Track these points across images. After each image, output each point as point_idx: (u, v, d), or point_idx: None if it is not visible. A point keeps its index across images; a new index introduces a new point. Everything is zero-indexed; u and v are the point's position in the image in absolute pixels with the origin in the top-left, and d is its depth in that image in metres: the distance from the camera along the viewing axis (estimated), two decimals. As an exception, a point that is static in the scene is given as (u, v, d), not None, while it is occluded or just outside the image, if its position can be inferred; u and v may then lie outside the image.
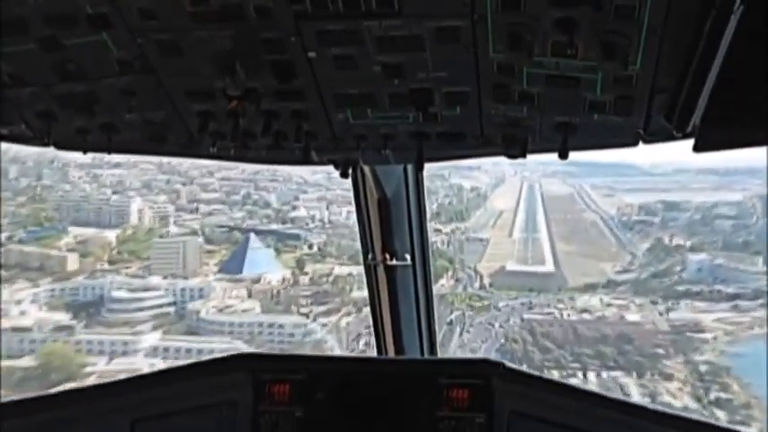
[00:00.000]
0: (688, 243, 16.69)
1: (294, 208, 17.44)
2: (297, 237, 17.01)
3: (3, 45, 2.24)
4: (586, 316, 16.13)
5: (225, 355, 3.81)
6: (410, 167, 4.07)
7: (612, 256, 17.47)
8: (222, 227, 17.36)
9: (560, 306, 16.38)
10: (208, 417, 3.63)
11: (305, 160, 2.72)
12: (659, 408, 3.42)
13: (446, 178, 18.09)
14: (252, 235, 16.74)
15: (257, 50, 2.18)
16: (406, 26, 2.05)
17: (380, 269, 4.41)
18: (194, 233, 17.00)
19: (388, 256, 4.35)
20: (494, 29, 2.01)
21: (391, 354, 4.58)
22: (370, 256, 4.40)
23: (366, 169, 3.91)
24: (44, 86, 2.45)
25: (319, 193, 17.37)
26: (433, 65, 2.19)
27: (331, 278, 16.11)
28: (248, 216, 17.38)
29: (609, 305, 16.05)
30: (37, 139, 2.72)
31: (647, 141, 2.39)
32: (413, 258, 4.41)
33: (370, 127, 2.54)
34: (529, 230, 18.46)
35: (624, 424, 3.31)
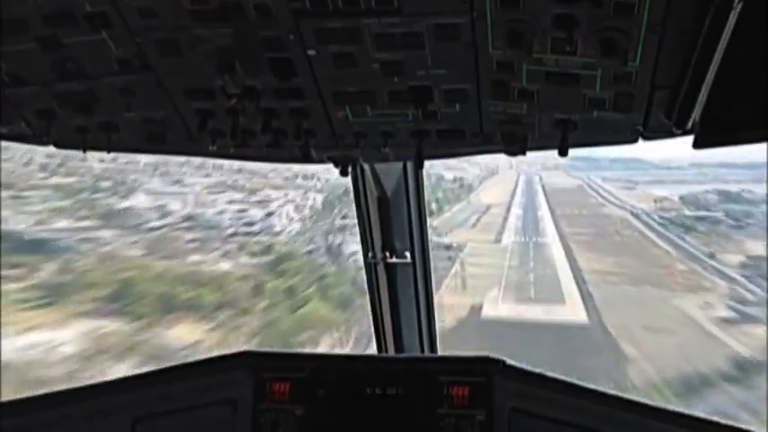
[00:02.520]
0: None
1: (132, 192, 11.60)
2: (56, 248, 9.69)
3: (2, 44, 2.24)
4: None
5: (225, 353, 3.82)
6: (410, 165, 4.07)
7: (689, 282, 9.42)
8: None
9: None
10: (208, 415, 3.63)
11: (304, 158, 2.72)
12: (660, 404, 3.41)
13: (424, 168, 15.49)
14: None
15: (256, 48, 2.18)
16: (406, 23, 2.05)
17: (380, 267, 4.42)
18: None
19: (388, 254, 4.36)
20: (493, 26, 2.01)
21: (391, 352, 4.58)
22: (370, 255, 4.41)
23: (366, 167, 3.91)
24: (44, 85, 2.45)
25: (218, 179, 11.85)
26: (432, 62, 2.19)
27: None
28: (72, 208, 10.91)
29: None
30: (36, 137, 2.73)
31: (646, 138, 2.39)
32: (413, 256, 4.42)
33: (369, 124, 2.54)
34: (529, 232, 11.81)
35: (625, 421, 3.31)
